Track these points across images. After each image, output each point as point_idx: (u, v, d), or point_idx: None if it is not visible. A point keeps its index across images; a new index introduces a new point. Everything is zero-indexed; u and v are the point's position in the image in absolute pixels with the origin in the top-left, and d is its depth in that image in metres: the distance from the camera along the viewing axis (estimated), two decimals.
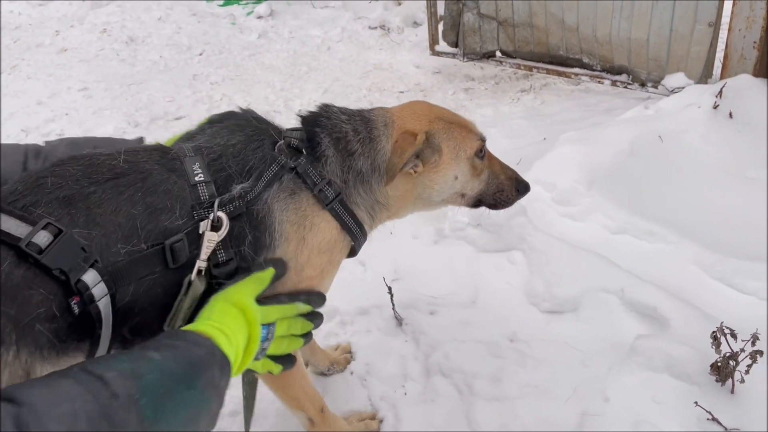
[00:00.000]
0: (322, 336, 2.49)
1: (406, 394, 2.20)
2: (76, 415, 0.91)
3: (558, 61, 4.47)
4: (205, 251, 1.34)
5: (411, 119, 1.68)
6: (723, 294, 2.37)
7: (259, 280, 1.40)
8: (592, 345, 2.23)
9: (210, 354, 1.16)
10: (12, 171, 1.45)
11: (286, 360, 1.54)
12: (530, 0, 4.33)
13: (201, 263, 1.34)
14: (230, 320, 1.27)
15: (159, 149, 1.48)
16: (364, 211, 1.65)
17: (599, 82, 4.25)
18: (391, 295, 2.42)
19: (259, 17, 6.95)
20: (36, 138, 4.82)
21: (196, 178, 1.40)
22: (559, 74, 4.48)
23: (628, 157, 3.02)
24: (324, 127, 1.62)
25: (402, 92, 4.96)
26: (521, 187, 1.87)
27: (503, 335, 2.34)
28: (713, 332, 1.83)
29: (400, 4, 6.40)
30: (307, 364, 2.23)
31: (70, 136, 1.84)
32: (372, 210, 1.67)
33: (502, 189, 1.84)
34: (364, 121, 1.67)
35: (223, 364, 1.17)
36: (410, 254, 2.81)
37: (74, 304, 1.18)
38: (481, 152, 1.77)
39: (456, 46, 4.98)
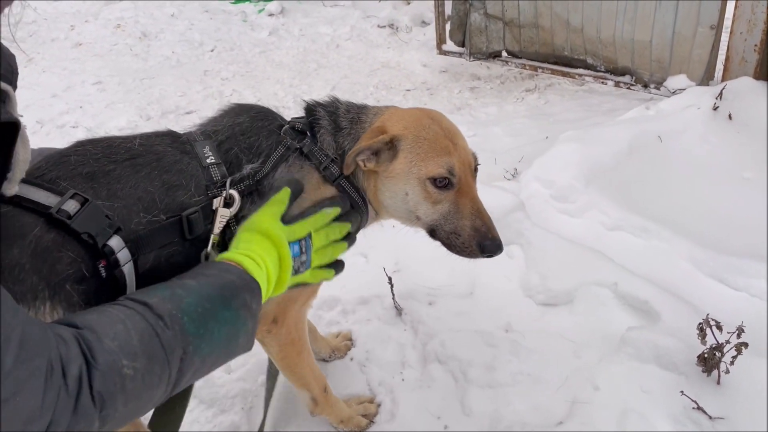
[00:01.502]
0: (324, 324, 2.57)
1: (403, 380, 2.28)
2: (128, 332, 1.03)
3: (563, 61, 4.53)
4: (218, 225, 1.43)
5: (396, 120, 1.66)
6: (714, 290, 2.43)
7: (278, 202, 1.45)
8: (584, 336, 2.30)
9: (240, 279, 1.26)
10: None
11: (336, 265, 1.61)
12: (536, 1, 4.39)
13: (215, 237, 1.43)
14: (256, 246, 1.36)
15: (170, 134, 1.58)
16: (364, 191, 1.70)
17: (603, 82, 4.31)
18: (392, 286, 2.49)
19: (270, 15, 7.06)
20: (51, 129, 4.94)
21: (208, 161, 1.49)
22: (564, 74, 4.54)
23: (627, 156, 3.09)
24: (325, 109, 1.71)
25: (409, 90, 5.04)
26: (486, 246, 1.61)
27: (498, 326, 2.41)
28: (699, 323, 1.89)
29: (408, 4, 6.48)
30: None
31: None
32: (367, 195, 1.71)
33: (458, 233, 1.63)
34: (358, 109, 1.76)
35: (252, 287, 1.27)
36: (410, 246, 2.86)
37: (101, 267, 1.27)
38: (441, 182, 1.59)
39: (463, 45, 5.05)
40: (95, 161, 1.38)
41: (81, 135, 4.79)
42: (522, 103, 4.51)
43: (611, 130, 3.28)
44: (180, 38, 6.70)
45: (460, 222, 1.62)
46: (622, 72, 4.20)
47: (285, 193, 1.46)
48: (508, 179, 3.41)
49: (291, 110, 4.87)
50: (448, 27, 5.21)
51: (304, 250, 1.46)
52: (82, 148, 1.41)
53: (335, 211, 1.56)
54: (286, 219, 1.44)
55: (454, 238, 1.64)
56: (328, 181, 1.62)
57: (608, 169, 3.00)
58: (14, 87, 1.16)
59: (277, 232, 1.38)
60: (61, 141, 4.66)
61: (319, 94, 5.09)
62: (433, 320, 2.48)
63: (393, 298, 2.52)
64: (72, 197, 1.27)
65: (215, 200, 1.45)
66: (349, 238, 1.63)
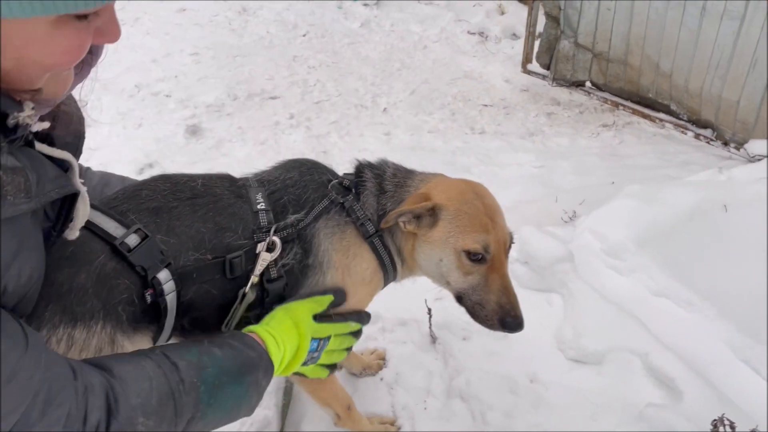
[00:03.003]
0: (363, 338, 2.74)
1: (426, 408, 2.43)
2: (151, 391, 1.21)
3: (645, 102, 4.47)
4: (259, 268, 1.61)
5: (441, 189, 1.77)
6: (746, 378, 2.44)
7: (318, 302, 1.66)
8: (606, 400, 2.38)
9: (259, 358, 1.45)
10: None
11: (332, 367, 1.82)
12: (629, 39, 4.33)
13: (254, 278, 1.61)
14: (284, 330, 1.55)
15: (228, 177, 1.78)
16: (394, 253, 1.85)
17: (683, 131, 4.24)
18: (430, 315, 2.64)
19: (365, 5, 7.17)
20: (146, 95, 5.28)
21: (258, 206, 1.67)
22: (644, 116, 4.48)
23: (687, 222, 3.08)
24: (373, 171, 1.86)
25: (485, 106, 5.09)
26: (508, 323, 1.71)
27: (525, 373, 2.52)
28: (714, 421, 1.95)
29: (502, 14, 6.46)
30: (341, 367, 2.50)
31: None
32: (397, 255, 1.85)
33: (483, 305, 1.73)
34: (405, 173, 1.91)
35: (267, 368, 1.46)
36: None
37: (148, 294, 1.48)
38: (475, 256, 1.69)
39: (548, 68, 5.04)
40: (162, 197, 1.59)
41: (173, 105, 5.12)
42: (596, 138, 4.49)
43: (677, 191, 3.26)
44: (276, 18, 6.93)
45: (487, 296, 1.72)
46: (704, 125, 4.11)
47: (327, 299, 1.67)
48: (565, 221, 3.46)
49: (368, 110, 5.03)
50: (536, 47, 5.20)
51: (319, 348, 1.65)
52: (154, 183, 1.63)
53: (356, 326, 1.78)
54: (317, 317, 1.64)
55: (479, 308, 1.75)
56: (362, 237, 1.77)
57: (665, 233, 3.01)
58: (79, 152, 1.42)
59: (306, 327, 1.58)
60: (153, 109, 5.02)
61: (398, 97, 5.23)
62: (464, 355, 2.61)
63: (430, 327, 2.67)
64: (135, 232, 1.46)
65: (259, 245, 1.62)
66: (350, 350, 1.84)
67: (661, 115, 4.35)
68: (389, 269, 1.85)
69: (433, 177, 1.91)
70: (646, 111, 4.44)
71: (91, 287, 1.40)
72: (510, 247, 1.81)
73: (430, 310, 2.63)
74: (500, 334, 2.71)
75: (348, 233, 1.76)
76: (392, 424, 2.36)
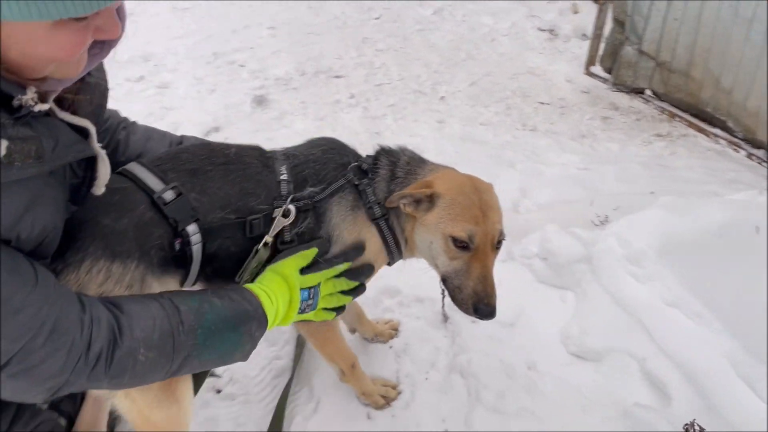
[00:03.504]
0: (381, 309, 2.96)
1: (427, 379, 2.63)
2: (154, 328, 1.44)
3: (703, 116, 4.42)
4: (273, 231, 1.83)
5: (443, 180, 1.93)
6: (741, 393, 2.49)
7: (303, 256, 1.85)
8: (597, 396, 2.50)
9: (254, 311, 1.66)
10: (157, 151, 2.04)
11: (339, 310, 2.01)
12: (693, 50, 4.28)
13: (268, 238, 1.83)
14: (275, 286, 1.76)
15: (258, 149, 2.00)
16: (399, 235, 2.03)
17: (736, 149, 4.18)
18: (443, 296, 2.80)
19: None
20: (222, 64, 5.64)
21: (281, 177, 1.88)
22: (700, 130, 4.43)
23: (715, 238, 3.10)
24: (389, 158, 2.05)
25: (542, 103, 5.14)
26: (480, 309, 1.84)
27: (524, 361, 2.67)
28: (686, 425, 2.05)
29: (576, 13, 6.42)
30: (354, 331, 2.73)
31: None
32: (401, 236, 2.04)
33: (461, 290, 1.88)
34: (418, 162, 2.08)
35: (261, 320, 1.67)
36: None
37: (177, 243, 1.72)
38: (460, 243, 1.83)
39: (610, 72, 5.04)
40: (199, 161, 1.82)
41: (245, 75, 5.45)
42: (647, 147, 4.48)
43: (711, 207, 3.27)
44: None
45: (466, 281, 1.87)
46: (758, 145, 4.04)
47: (312, 252, 1.86)
48: (596, 224, 3.54)
49: (427, 97, 5.18)
50: (601, 50, 5.19)
51: (312, 295, 1.84)
52: (194, 148, 1.89)
53: (344, 266, 1.93)
54: (303, 269, 1.83)
55: (457, 292, 1.91)
56: (370, 219, 1.96)
57: (690, 246, 3.05)
58: (101, 121, 1.65)
59: (294, 280, 1.78)
60: (227, 77, 5.37)
61: (458, 87, 5.37)
62: (470, 337, 2.78)
63: (443, 307, 2.84)
64: (172, 188, 1.71)
65: (276, 210, 1.84)
66: (357, 290, 2.02)
67: (717, 131, 4.29)
68: (393, 249, 2.04)
69: (443, 169, 2.08)
70: (703, 125, 4.39)
71: (130, 231, 1.65)
72: (499, 242, 1.92)
73: (443, 291, 2.80)
74: (508, 322, 2.88)
75: (358, 213, 1.96)
76: (394, 388, 2.57)
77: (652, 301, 2.89)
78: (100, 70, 1.64)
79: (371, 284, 3.04)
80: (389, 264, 2.16)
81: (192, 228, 1.74)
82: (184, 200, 1.73)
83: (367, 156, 2.10)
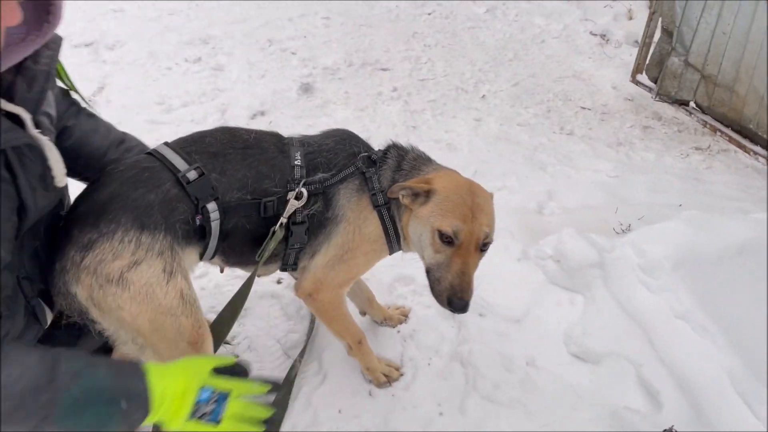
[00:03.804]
0: (395, 295, 3.10)
1: (429, 364, 2.76)
2: (19, 378, 1.32)
3: (745, 132, 4.34)
4: (287, 212, 1.99)
5: (442, 179, 2.04)
6: (736, 409, 2.53)
7: (221, 360, 1.67)
8: (590, 396, 2.59)
9: (139, 392, 1.47)
10: (101, 148, 2.08)
11: None
12: (740, 66, 4.22)
13: (283, 219, 1.99)
14: (175, 367, 1.57)
15: (277, 135, 2.17)
16: (399, 225, 2.15)
17: None
18: None
19: None
20: (275, 51, 5.86)
21: (295, 162, 2.05)
22: (740, 146, 4.37)
23: (733, 255, 3.10)
24: (398, 152, 2.20)
25: (583, 108, 5.14)
26: (453, 303, 1.95)
27: (524, 356, 2.77)
28: (665, 430, 2.12)
29: (630, 19, 6.35)
30: (365, 314, 2.89)
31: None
32: (400, 227, 2.15)
33: (440, 282, 1.98)
34: (424, 160, 2.22)
35: (144, 410, 1.46)
36: (492, 259, 3.26)
37: (198, 219, 1.91)
38: (446, 238, 1.92)
39: (655, 82, 4.99)
40: (221, 144, 2.00)
41: (295, 62, 5.66)
42: (684, 159, 4.45)
43: (734, 224, 3.27)
44: None
45: (445, 275, 1.96)
46: None
47: (230, 360, 1.67)
48: (617, 232, 3.58)
49: (468, 95, 5.26)
50: (649, 58, 5.14)
51: (214, 400, 1.56)
52: (217, 132, 2.07)
53: (260, 389, 1.66)
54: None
55: (436, 284, 2.01)
56: (372, 205, 2.10)
57: (706, 261, 3.06)
58: (39, 107, 1.59)
59: (198, 369, 1.57)
60: (278, 63, 5.59)
61: (501, 87, 5.43)
62: (475, 329, 2.90)
63: None
64: (195, 169, 1.88)
65: (289, 193, 2.00)
66: (271, 425, 1.74)
67: (758, 149, 4.22)
68: (393, 238, 2.17)
69: (445, 170, 2.20)
70: (744, 141, 4.32)
71: (157, 205, 1.83)
72: (485, 245, 2.01)
73: None
74: (515, 318, 2.98)
75: (363, 199, 2.11)
76: (397, 369, 2.72)
77: (661, 312, 2.93)
78: (52, 58, 1.63)
79: (387, 271, 3.21)
80: (389, 253, 2.29)
81: (211, 206, 1.91)
82: (205, 180, 1.90)
83: (378, 149, 2.25)
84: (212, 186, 1.92)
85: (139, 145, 2.26)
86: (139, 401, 1.47)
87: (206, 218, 1.92)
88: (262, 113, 4.83)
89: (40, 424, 1.38)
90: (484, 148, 4.48)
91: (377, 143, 4.31)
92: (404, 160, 2.19)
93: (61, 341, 1.91)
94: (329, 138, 2.21)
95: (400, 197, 2.05)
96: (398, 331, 2.91)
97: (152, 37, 5.83)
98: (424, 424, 2.54)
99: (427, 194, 2.00)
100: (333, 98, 5.07)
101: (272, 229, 2.01)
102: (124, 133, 2.27)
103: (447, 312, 2.96)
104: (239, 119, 4.72)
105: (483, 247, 2.01)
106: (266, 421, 2.21)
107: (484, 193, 2.09)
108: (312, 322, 2.87)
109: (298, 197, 2.00)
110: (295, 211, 2.02)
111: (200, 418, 1.55)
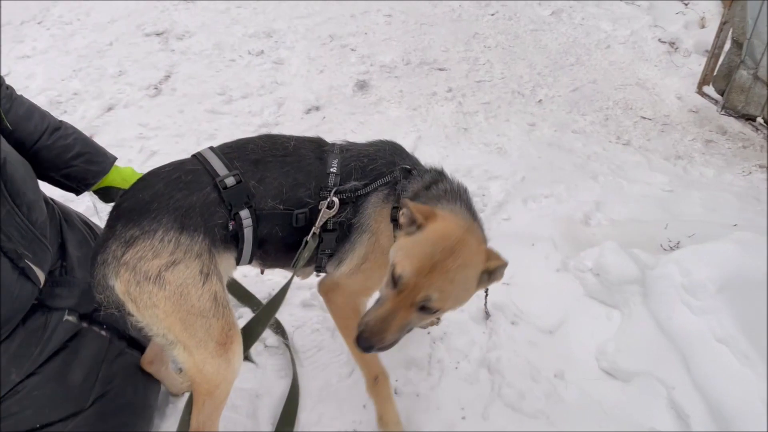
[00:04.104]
0: None
1: (456, 368, 2.78)
2: None
3: None
4: (320, 222, 2.02)
5: (442, 220, 1.85)
6: None
7: None
8: (616, 414, 2.55)
9: None
10: (33, 134, 2.20)
11: None
12: None
13: (315, 229, 2.03)
14: None
15: (317, 141, 2.20)
16: None
17: None
18: (486, 294, 2.93)
19: None
20: (335, 47, 5.95)
21: (330, 170, 2.07)
22: None
23: None
24: (438, 175, 2.18)
25: (644, 118, 4.99)
26: (359, 338, 1.78)
27: (552, 368, 2.75)
28: None
29: (702, 27, 6.09)
30: None
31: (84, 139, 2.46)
32: None
33: (368, 315, 1.82)
34: (454, 195, 2.09)
35: None
36: (531, 268, 3.25)
37: (231, 225, 1.96)
38: (394, 276, 1.77)
39: (722, 94, 4.79)
40: (262, 152, 2.05)
41: (354, 59, 5.73)
42: (746, 177, 4.25)
43: None
44: None
45: (372, 311, 1.82)
46: None
47: None
48: (665, 249, 3.47)
49: (524, 99, 5.19)
50: (717, 70, 4.93)
51: None
52: (259, 140, 2.12)
53: None
54: None
55: (365, 315, 1.86)
56: (390, 217, 2.07)
57: (754, 286, 2.94)
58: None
59: None
60: (337, 59, 5.68)
61: (558, 92, 5.35)
62: (506, 336, 2.90)
63: (485, 304, 2.95)
64: (234, 175, 1.94)
65: (322, 203, 2.03)
66: None
67: None
68: None
69: (459, 217, 1.95)
70: None
71: (197, 208, 1.89)
72: (426, 306, 1.76)
73: (487, 289, 2.92)
74: (547, 329, 2.96)
75: (384, 210, 2.10)
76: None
77: (701, 334, 2.84)
78: None
79: None
80: None
81: (244, 213, 1.96)
82: (241, 187, 1.95)
83: (424, 168, 2.23)
84: (248, 194, 1.96)
85: (76, 134, 2.34)
86: None
87: (239, 225, 1.97)
88: (317, 108, 4.93)
89: None
90: (535, 154, 4.43)
91: (427, 144, 4.36)
92: (436, 186, 2.11)
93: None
94: (372, 146, 2.23)
95: (400, 214, 1.94)
96: (428, 332, 2.94)
97: (219, 29, 6.03)
98: (445, 426, 2.57)
99: (419, 227, 1.86)
100: (387, 96, 5.12)
101: (305, 239, 2.04)
102: (61, 122, 2.35)
103: (481, 317, 3.02)
104: (294, 113, 4.83)
105: (423, 308, 1.76)
106: (282, 414, 2.33)
107: (471, 260, 1.78)
108: None
109: (329, 206, 2.03)
110: (326, 221, 2.05)
111: None
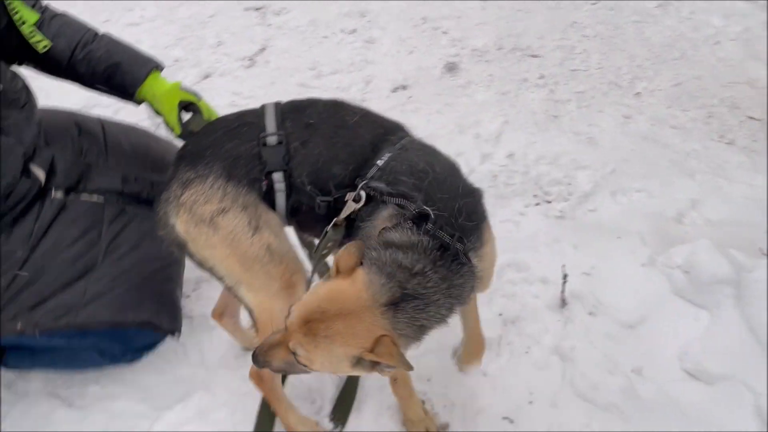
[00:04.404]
0: (504, 280, 3.03)
1: (527, 353, 2.72)
2: None
3: None
4: (344, 213, 1.82)
5: (357, 285, 1.56)
6: None
7: None
8: (697, 416, 2.41)
9: None
10: (63, 50, 2.39)
11: None
12: None
13: (338, 220, 1.84)
14: None
15: (387, 128, 1.99)
16: None
17: None
18: (564, 281, 2.83)
19: None
20: (427, 29, 5.89)
21: (377, 162, 1.86)
22: None
23: None
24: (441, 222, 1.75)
25: (751, 118, 4.63)
26: (253, 357, 1.67)
27: (631, 363, 2.62)
28: None
29: None
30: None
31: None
32: None
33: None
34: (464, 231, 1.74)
35: None
36: (614, 261, 3.10)
37: (263, 184, 1.93)
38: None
39: None
40: (318, 117, 1.97)
41: (444, 42, 5.66)
42: None
43: None
44: None
45: (271, 336, 1.64)
46: None
47: None
48: (764, 254, 3.23)
49: (621, 89, 4.93)
50: None
51: None
52: (323, 104, 2.04)
53: None
54: None
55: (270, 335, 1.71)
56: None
57: None
58: None
59: None
60: (428, 41, 5.65)
61: (659, 86, 5.06)
62: (583, 327, 2.79)
63: (562, 291, 2.86)
64: (278, 135, 1.91)
65: (348, 194, 1.83)
66: None
67: None
68: None
69: (378, 290, 1.57)
70: None
71: (243, 159, 1.92)
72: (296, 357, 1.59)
73: (565, 276, 2.83)
74: (628, 324, 2.82)
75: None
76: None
77: None
78: None
79: (500, 256, 3.12)
80: None
81: (277, 176, 1.92)
82: (280, 149, 1.91)
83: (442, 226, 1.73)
84: (285, 157, 1.91)
85: (110, 45, 2.45)
86: None
87: (271, 187, 1.94)
88: (404, 87, 4.92)
89: None
90: (628, 146, 4.23)
91: (514, 129, 4.26)
92: (409, 253, 1.63)
93: None
94: (429, 156, 1.93)
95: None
96: (500, 314, 2.87)
97: (316, 7, 6.12)
98: (511, 409, 2.53)
99: (352, 258, 1.62)
100: (476, 80, 5.03)
101: (325, 229, 1.89)
102: (96, 35, 2.48)
103: (556, 304, 2.91)
104: (381, 91, 4.85)
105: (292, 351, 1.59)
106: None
107: (342, 338, 1.52)
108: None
109: (356, 200, 1.82)
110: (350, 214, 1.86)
111: None
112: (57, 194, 2.37)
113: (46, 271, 2.27)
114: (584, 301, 2.89)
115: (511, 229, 3.38)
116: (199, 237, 1.91)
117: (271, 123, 1.95)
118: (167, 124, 2.61)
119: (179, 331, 2.58)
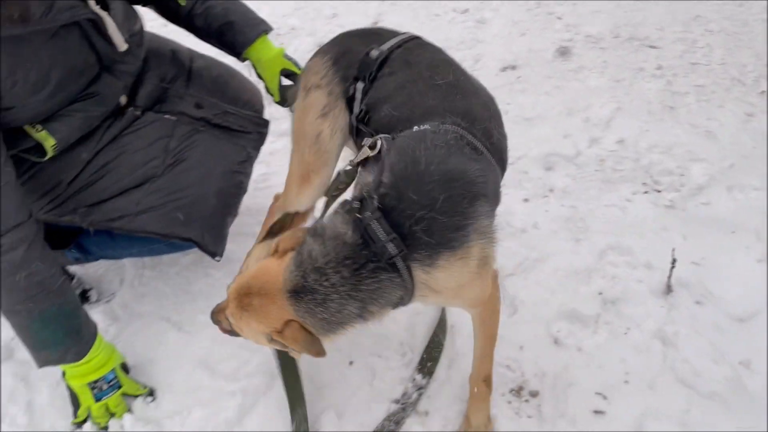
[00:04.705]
0: (605, 262, 2.95)
1: (626, 334, 2.65)
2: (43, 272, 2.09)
3: None
4: (358, 158, 1.74)
5: (284, 264, 1.63)
6: None
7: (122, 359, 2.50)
8: None
9: (89, 342, 2.27)
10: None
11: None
12: None
13: (351, 161, 1.78)
14: (108, 347, 2.39)
15: (480, 110, 1.87)
16: None
17: None
18: (672, 266, 2.73)
19: None
20: (539, 13, 5.76)
21: (415, 128, 1.74)
22: None
23: None
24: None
25: None
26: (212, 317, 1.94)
27: (739, 357, 2.48)
28: None
29: None
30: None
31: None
32: None
33: None
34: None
35: (84, 350, 2.24)
36: (726, 254, 2.96)
37: (350, 86, 2.05)
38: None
39: None
40: (419, 62, 1.98)
41: (558, 26, 5.53)
42: None
43: None
44: None
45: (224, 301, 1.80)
46: None
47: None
48: None
49: (745, 86, 4.66)
50: None
51: (111, 384, 2.32)
52: (432, 54, 2.13)
53: (143, 390, 2.49)
54: None
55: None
56: None
57: None
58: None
59: (118, 358, 2.43)
60: (542, 25, 5.58)
61: None
62: (688, 314, 2.70)
63: (669, 277, 2.77)
64: (380, 53, 2.00)
65: (366, 139, 1.77)
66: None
67: None
68: None
69: (298, 267, 1.58)
70: None
71: (351, 55, 2.08)
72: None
73: (674, 261, 2.73)
74: (738, 316, 2.70)
75: None
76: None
77: None
78: None
79: (600, 238, 3.07)
80: None
81: (359, 86, 2.00)
82: (371, 61, 1.99)
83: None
84: (372, 75, 1.97)
85: (227, 3, 2.57)
86: (84, 343, 2.22)
87: (353, 95, 2.03)
88: (513, 67, 4.88)
89: (15, 313, 2.07)
90: (749, 143, 4.00)
91: (627, 116, 4.14)
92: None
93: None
94: (480, 163, 1.70)
95: None
96: (600, 293, 2.82)
97: None
98: (606, 386, 2.49)
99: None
100: (589, 65, 4.90)
101: (338, 170, 1.86)
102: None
103: (661, 290, 2.82)
104: (490, 69, 4.83)
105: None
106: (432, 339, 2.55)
107: (257, 313, 1.62)
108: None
109: (372, 147, 1.69)
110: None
111: (94, 388, 2.26)
112: (135, 112, 2.47)
113: (107, 174, 2.35)
114: (692, 289, 2.78)
115: (616, 214, 3.30)
116: (298, 99, 2.19)
117: (388, 43, 2.05)
118: (267, 90, 2.81)
119: (221, 255, 2.54)
